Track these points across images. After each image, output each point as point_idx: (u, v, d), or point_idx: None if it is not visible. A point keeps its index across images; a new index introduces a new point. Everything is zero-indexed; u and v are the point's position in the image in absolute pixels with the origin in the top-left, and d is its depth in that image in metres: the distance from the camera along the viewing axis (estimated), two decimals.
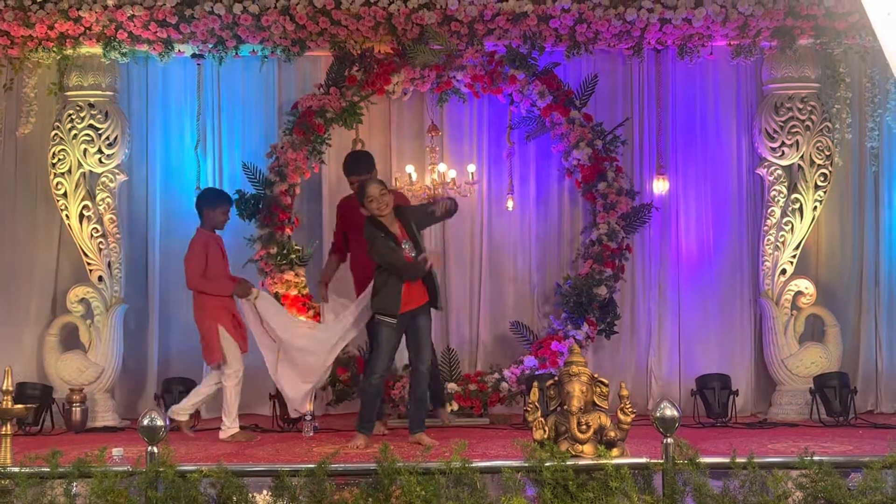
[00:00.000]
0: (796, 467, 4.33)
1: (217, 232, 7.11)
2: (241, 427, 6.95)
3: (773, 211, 7.91)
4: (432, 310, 6.63)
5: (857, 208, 8.22)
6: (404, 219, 6.45)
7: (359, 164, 7.08)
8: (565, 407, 4.62)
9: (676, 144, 8.28)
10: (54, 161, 7.83)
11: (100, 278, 7.86)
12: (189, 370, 8.15)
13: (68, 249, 8.07)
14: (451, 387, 7.63)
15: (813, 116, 7.81)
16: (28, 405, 5.71)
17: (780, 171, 7.91)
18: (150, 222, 8.32)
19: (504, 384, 7.74)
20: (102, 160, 7.83)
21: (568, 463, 4.30)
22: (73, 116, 7.79)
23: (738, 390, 7.72)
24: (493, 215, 8.38)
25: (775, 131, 7.86)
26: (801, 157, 7.84)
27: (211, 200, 7.09)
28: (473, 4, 7.45)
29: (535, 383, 6.12)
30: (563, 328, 7.80)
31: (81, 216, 7.83)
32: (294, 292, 7.69)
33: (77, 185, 7.83)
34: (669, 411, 4.41)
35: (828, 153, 7.84)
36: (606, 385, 4.71)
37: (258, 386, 7.68)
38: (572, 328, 7.75)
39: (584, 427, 4.55)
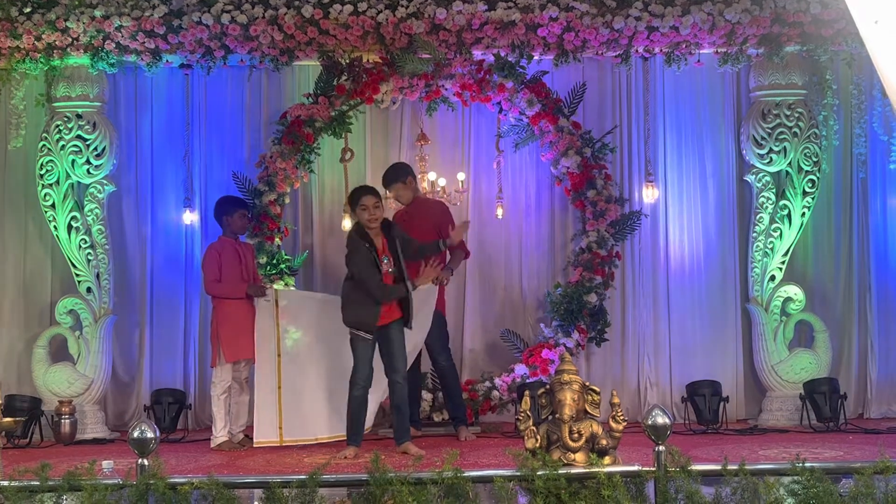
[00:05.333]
0: (788, 474, 4.34)
1: (243, 239, 7.35)
2: (245, 436, 7.08)
3: (761, 217, 7.93)
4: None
5: (845, 214, 8.25)
6: (390, 235, 6.50)
7: (396, 172, 7.37)
8: (557, 415, 4.62)
9: (665, 152, 8.30)
10: (42, 172, 7.80)
11: (88, 289, 7.83)
12: (179, 381, 8.14)
13: (58, 260, 8.04)
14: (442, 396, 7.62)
15: (800, 123, 7.84)
16: (17, 418, 5.69)
17: (768, 178, 7.93)
18: (139, 233, 8.29)
19: (495, 392, 7.74)
20: (90, 171, 7.80)
21: (560, 472, 4.30)
22: (61, 127, 7.76)
23: (728, 397, 7.74)
24: (483, 223, 8.37)
25: (763, 138, 7.89)
26: (789, 163, 7.86)
27: (226, 207, 7.25)
28: (461, 13, 7.47)
29: (527, 392, 6.12)
30: (553, 336, 7.80)
31: (69, 227, 7.80)
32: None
33: (65, 196, 7.80)
34: (661, 419, 4.42)
35: (815, 159, 7.86)
36: (598, 393, 4.71)
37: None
38: (563, 336, 7.75)
39: (575, 435, 4.55)
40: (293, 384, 6.95)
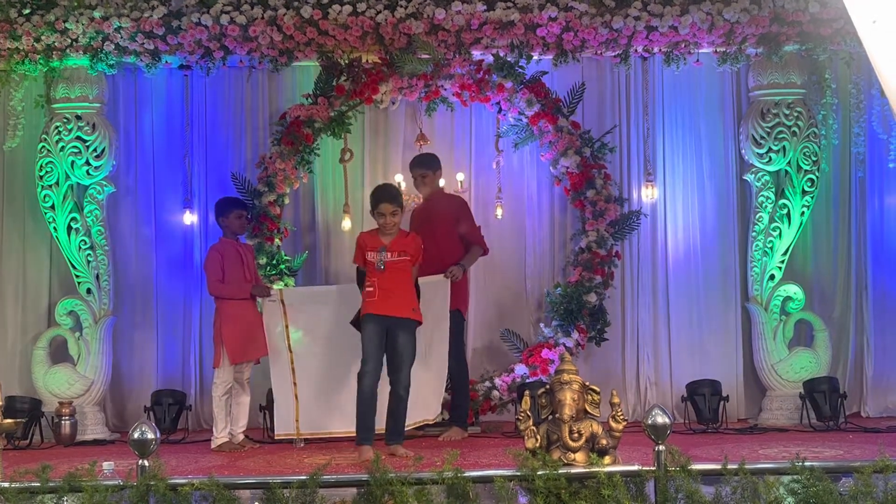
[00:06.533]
0: (788, 473, 4.34)
1: (243, 240, 7.36)
2: (245, 436, 7.08)
3: (760, 216, 7.94)
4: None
5: (844, 213, 8.25)
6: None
7: (426, 160, 7.45)
8: (557, 415, 4.62)
9: (664, 151, 8.30)
10: (41, 173, 7.80)
11: (88, 290, 7.83)
12: (179, 382, 8.14)
13: (58, 262, 8.04)
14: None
15: (799, 122, 7.85)
16: (17, 419, 5.69)
17: (767, 177, 7.94)
18: (139, 233, 8.29)
19: (495, 392, 7.74)
20: (90, 172, 7.80)
21: (560, 471, 4.30)
22: (61, 129, 7.76)
23: (728, 396, 7.74)
24: (483, 224, 8.35)
25: (762, 137, 7.89)
26: (788, 162, 7.87)
27: (223, 208, 7.24)
28: (460, 14, 7.47)
29: (527, 391, 6.12)
30: (553, 336, 7.80)
31: (69, 228, 7.80)
32: None
33: (65, 198, 7.80)
34: (661, 418, 4.42)
35: (814, 159, 7.87)
36: (598, 393, 4.71)
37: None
38: (562, 336, 7.75)
39: (575, 435, 4.56)
40: (307, 379, 6.96)
